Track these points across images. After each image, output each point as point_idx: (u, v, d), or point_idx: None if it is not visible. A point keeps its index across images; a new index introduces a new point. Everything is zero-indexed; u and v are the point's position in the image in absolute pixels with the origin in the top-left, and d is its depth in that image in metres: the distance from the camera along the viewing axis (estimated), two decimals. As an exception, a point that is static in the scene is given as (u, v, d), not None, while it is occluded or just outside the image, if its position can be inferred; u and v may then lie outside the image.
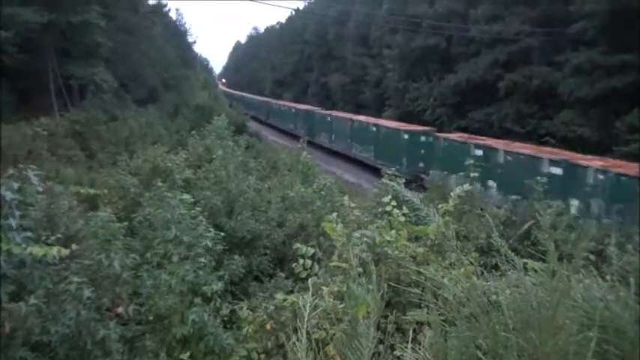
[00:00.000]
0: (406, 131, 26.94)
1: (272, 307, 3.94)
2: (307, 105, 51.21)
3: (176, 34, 51.74)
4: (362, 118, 34.50)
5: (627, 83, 22.76)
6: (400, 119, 36.33)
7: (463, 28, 34.46)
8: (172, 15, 53.45)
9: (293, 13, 77.46)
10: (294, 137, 40.73)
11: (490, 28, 31.77)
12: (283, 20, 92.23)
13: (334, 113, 39.52)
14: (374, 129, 30.33)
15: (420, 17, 37.67)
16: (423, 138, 25.90)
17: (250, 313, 4.21)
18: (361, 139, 31.70)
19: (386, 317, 2.10)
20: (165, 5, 49.01)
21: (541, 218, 1.72)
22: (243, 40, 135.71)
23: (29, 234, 3.87)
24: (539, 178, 9.01)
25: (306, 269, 3.34)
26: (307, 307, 1.70)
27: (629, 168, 14.06)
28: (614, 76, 23.44)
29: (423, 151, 25.32)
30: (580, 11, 24.88)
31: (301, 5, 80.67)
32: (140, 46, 30.56)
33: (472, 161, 10.00)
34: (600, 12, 23.55)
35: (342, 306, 2.52)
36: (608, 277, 1.74)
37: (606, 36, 24.12)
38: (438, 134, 25.02)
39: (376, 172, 24.17)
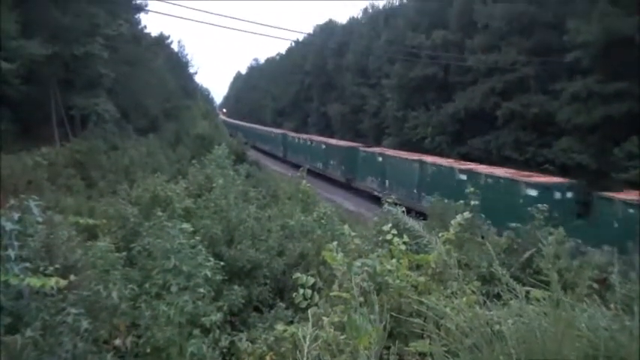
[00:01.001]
0: (532, 184, 19.52)
1: (272, 339, 3.88)
2: (329, 138, 44.97)
3: (178, 65, 52.59)
4: (439, 160, 25.79)
5: (624, 111, 22.99)
6: (400, 148, 36.54)
7: (460, 58, 35.05)
8: (174, 47, 54.49)
9: (293, 44, 78.99)
10: (325, 179, 36.76)
11: (486, 57, 32.31)
12: (283, 51, 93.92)
13: (387, 152, 31.45)
14: (462, 176, 21.93)
15: (417, 47, 38.37)
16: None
17: (250, 344, 4.14)
18: (441, 188, 19.78)
19: (388, 348, 2.06)
20: (168, 37, 50.02)
21: (543, 247, 1.71)
22: (243, 71, 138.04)
23: (27, 265, 3.84)
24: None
25: (307, 299, 3.30)
26: (307, 338, 1.68)
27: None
28: (610, 104, 23.69)
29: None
30: (574, 41, 25.34)
31: (301, 37, 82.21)
32: (142, 76, 31.03)
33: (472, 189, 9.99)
34: (594, 42, 23.97)
35: (343, 337, 2.48)
36: (612, 306, 1.72)
37: (601, 65, 24.50)
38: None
39: (376, 200, 24.14)
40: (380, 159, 30.37)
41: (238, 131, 58.31)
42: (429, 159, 26.72)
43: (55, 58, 20.79)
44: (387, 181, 28.80)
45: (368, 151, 32.78)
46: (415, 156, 28.14)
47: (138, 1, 30.85)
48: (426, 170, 25.20)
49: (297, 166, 42.45)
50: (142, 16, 36.21)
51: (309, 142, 44.31)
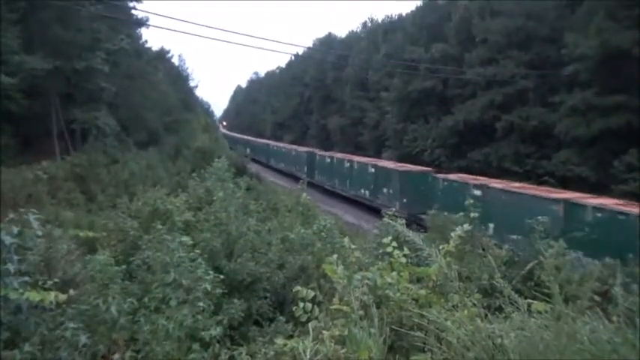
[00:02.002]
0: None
1: (272, 353, 3.84)
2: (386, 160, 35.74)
3: (178, 78, 52.92)
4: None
5: (622, 124, 23.08)
6: (399, 160, 36.58)
7: (459, 71, 35.29)
8: (175, 60, 54.92)
9: (293, 57, 79.56)
10: (369, 209, 29.27)
11: (485, 70, 32.53)
12: (283, 65, 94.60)
13: (492, 183, 21.44)
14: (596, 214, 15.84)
15: (416, 61, 38.65)
16: None
17: (249, 358, 4.10)
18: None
19: (389, 362, 2.05)
20: (169, 51, 50.45)
21: (545, 260, 1.71)
22: (244, 84, 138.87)
23: (27, 279, 3.82)
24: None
25: (307, 313, 3.28)
26: (308, 353, 1.67)
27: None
28: (609, 116, 23.79)
29: None
30: (572, 55, 25.54)
31: (301, 50, 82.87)
32: (143, 90, 31.22)
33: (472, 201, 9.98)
34: (591, 55, 24.16)
35: (343, 351, 2.46)
36: (614, 319, 1.71)
37: (599, 77, 24.66)
38: None
39: (376, 212, 24.10)
40: (477, 192, 20.56)
41: (247, 148, 55.24)
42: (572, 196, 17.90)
43: (57, 73, 20.92)
44: (491, 225, 18.17)
45: (450, 180, 23.85)
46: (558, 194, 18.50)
47: (139, 16, 31.17)
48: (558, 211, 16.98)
49: (329, 192, 39.23)
50: (142, 30, 36.68)
51: (347, 164, 35.37)
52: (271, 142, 64.05)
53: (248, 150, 50.07)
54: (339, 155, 39.73)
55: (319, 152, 43.50)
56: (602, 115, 24.14)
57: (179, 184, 17.88)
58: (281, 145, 59.10)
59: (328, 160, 39.33)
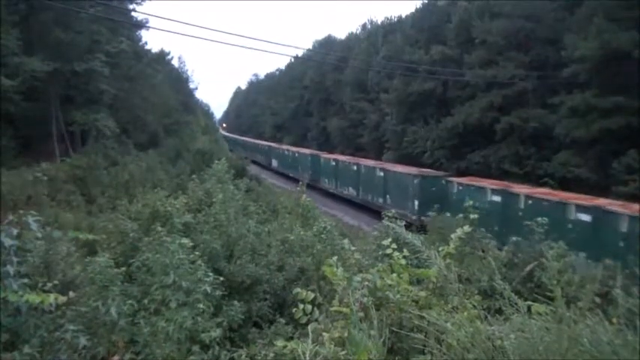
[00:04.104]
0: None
1: (271, 355, 3.84)
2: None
3: (178, 80, 53.00)
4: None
5: (622, 125, 23.10)
6: (399, 162, 36.57)
7: (458, 73, 35.31)
8: (175, 62, 54.99)
9: (292, 59, 79.63)
10: None
11: (485, 72, 32.55)
12: (283, 67, 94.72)
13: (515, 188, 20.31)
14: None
15: (416, 63, 38.68)
16: None
17: (249, 361, 4.10)
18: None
19: (389, 364, 2.04)
20: (169, 53, 50.53)
21: (547, 262, 1.71)
22: (243, 86, 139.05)
23: (26, 281, 3.82)
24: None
25: (307, 314, 3.28)
26: (307, 355, 1.66)
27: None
28: (608, 117, 23.81)
29: None
30: (571, 56, 25.57)
31: (300, 52, 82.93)
32: (142, 92, 31.24)
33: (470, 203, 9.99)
34: (591, 56, 24.19)
35: (343, 353, 2.46)
36: (614, 321, 1.71)
37: (598, 79, 24.69)
38: None
39: (375, 214, 24.07)
40: (495, 198, 19.70)
41: (260, 155, 53.27)
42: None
43: (56, 75, 20.94)
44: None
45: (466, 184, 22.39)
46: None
47: (139, 18, 31.17)
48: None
49: (335, 196, 35.87)
50: (142, 32, 36.71)
51: (354, 167, 33.41)
52: (273, 145, 61.14)
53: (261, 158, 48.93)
54: (344, 158, 38.16)
55: (324, 155, 41.49)
56: (602, 116, 24.16)
57: (179, 186, 17.89)
58: (284, 147, 55.71)
59: (333, 163, 37.50)
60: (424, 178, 25.85)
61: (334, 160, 37.80)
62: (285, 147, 55.02)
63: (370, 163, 33.94)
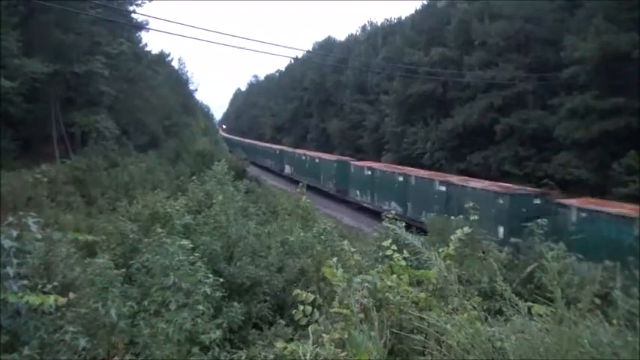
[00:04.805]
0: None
1: (271, 356, 3.83)
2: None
3: (178, 82, 53.00)
4: None
5: (622, 126, 23.09)
6: (399, 163, 36.58)
7: (458, 74, 35.32)
8: (175, 64, 55.00)
9: (292, 61, 79.69)
10: None
11: (484, 73, 32.57)
12: (283, 68, 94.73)
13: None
14: None
15: (415, 64, 38.70)
16: None
17: (249, 362, 4.09)
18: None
19: (389, 365, 2.04)
20: (169, 55, 50.54)
21: (547, 264, 1.71)
22: (243, 88, 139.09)
23: (26, 282, 3.82)
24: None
25: (307, 316, 3.27)
26: (308, 356, 1.66)
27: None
28: (608, 119, 23.81)
29: None
30: (571, 57, 25.58)
31: (300, 54, 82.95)
32: (142, 94, 31.25)
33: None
34: (590, 58, 24.19)
35: (343, 354, 2.45)
36: (614, 322, 1.71)
37: (598, 80, 24.69)
38: None
39: (376, 216, 24.06)
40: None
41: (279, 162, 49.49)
42: None
43: (57, 76, 20.95)
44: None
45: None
46: None
47: (139, 20, 31.19)
48: None
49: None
50: (142, 34, 36.73)
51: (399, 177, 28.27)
52: (287, 149, 55.05)
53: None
54: (383, 166, 32.62)
55: (355, 163, 35.69)
56: (602, 117, 24.16)
57: (179, 188, 17.91)
58: (299, 151, 48.98)
59: (368, 172, 31.80)
60: (515, 197, 19.78)
61: (369, 168, 32.04)
62: (301, 151, 48.84)
63: (423, 173, 28.09)
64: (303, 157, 45.86)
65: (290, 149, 53.78)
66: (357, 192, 33.32)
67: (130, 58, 29.02)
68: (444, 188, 23.82)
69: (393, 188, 28.33)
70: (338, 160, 38.40)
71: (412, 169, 30.38)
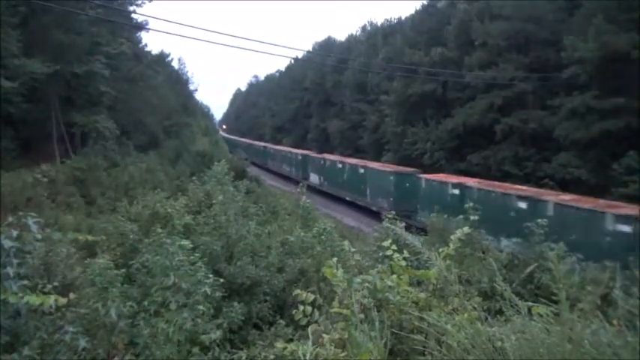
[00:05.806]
0: None
1: (271, 357, 3.83)
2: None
3: (178, 82, 52.96)
4: None
5: (622, 126, 23.09)
6: (399, 163, 36.57)
7: (458, 75, 35.31)
8: (175, 64, 54.95)
9: (292, 61, 79.66)
10: None
11: (484, 74, 32.57)
12: (283, 68, 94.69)
13: None
14: None
15: (415, 64, 38.68)
16: None
17: (249, 362, 4.09)
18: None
19: (389, 366, 2.04)
20: (169, 55, 50.53)
21: (553, 265, 1.70)
22: (243, 88, 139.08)
23: (26, 282, 3.81)
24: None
25: (307, 316, 3.27)
26: (308, 356, 1.66)
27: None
28: (608, 119, 23.81)
29: None
30: (571, 58, 25.57)
31: (300, 54, 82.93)
32: (142, 94, 31.24)
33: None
34: (590, 58, 24.19)
35: (344, 354, 2.45)
36: (614, 322, 1.71)
37: (598, 80, 24.68)
38: None
39: (376, 216, 24.06)
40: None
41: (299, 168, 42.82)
42: None
43: (57, 77, 20.93)
44: None
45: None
46: None
47: (139, 20, 31.19)
48: None
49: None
50: (142, 34, 36.74)
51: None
52: (312, 154, 46.44)
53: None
54: (478, 183, 22.82)
55: (426, 176, 26.05)
56: (602, 117, 24.15)
57: (179, 188, 17.90)
58: (331, 157, 41.09)
59: (456, 191, 22.43)
60: (400, 175, 18.18)
61: (458, 185, 22.62)
62: (333, 157, 40.72)
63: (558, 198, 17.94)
64: (339, 165, 37.47)
65: (317, 155, 45.35)
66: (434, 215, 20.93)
67: (130, 58, 29.01)
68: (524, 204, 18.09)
69: (500, 212, 18.24)
70: (396, 172, 29.27)
71: (519, 187, 21.77)
